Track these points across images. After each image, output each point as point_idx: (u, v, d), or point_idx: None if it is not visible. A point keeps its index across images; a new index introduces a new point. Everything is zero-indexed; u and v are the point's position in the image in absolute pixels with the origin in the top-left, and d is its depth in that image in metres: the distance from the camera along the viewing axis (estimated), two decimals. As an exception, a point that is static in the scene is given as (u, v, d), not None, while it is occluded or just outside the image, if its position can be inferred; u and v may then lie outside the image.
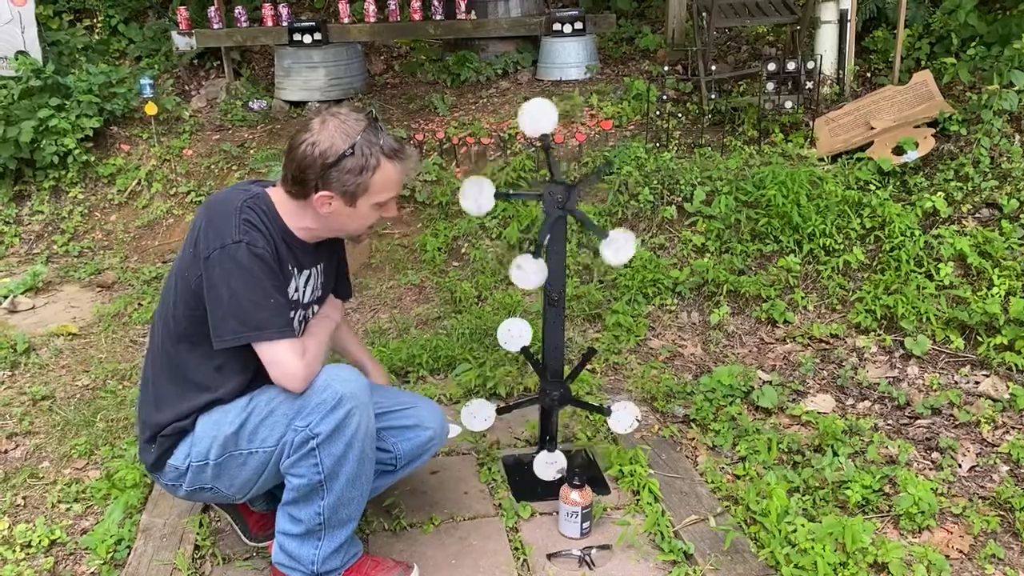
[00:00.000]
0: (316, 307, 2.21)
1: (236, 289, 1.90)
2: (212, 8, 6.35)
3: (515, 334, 2.47)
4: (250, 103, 6.11)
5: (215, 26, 6.33)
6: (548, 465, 2.57)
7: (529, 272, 2.39)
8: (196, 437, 2.03)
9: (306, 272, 2.13)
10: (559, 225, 2.39)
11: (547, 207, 2.38)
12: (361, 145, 1.94)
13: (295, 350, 1.95)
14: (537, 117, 2.34)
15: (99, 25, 7.20)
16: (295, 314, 2.08)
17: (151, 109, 5.47)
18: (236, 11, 6.36)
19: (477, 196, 2.35)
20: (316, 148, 1.93)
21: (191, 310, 1.98)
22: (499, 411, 2.61)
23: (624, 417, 2.61)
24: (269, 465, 2.01)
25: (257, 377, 2.03)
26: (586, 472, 2.53)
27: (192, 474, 2.05)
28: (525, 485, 2.61)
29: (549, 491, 2.53)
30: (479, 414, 2.59)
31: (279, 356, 1.94)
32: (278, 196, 2.04)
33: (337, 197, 1.98)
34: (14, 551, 2.48)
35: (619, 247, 2.41)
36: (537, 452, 2.65)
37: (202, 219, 1.98)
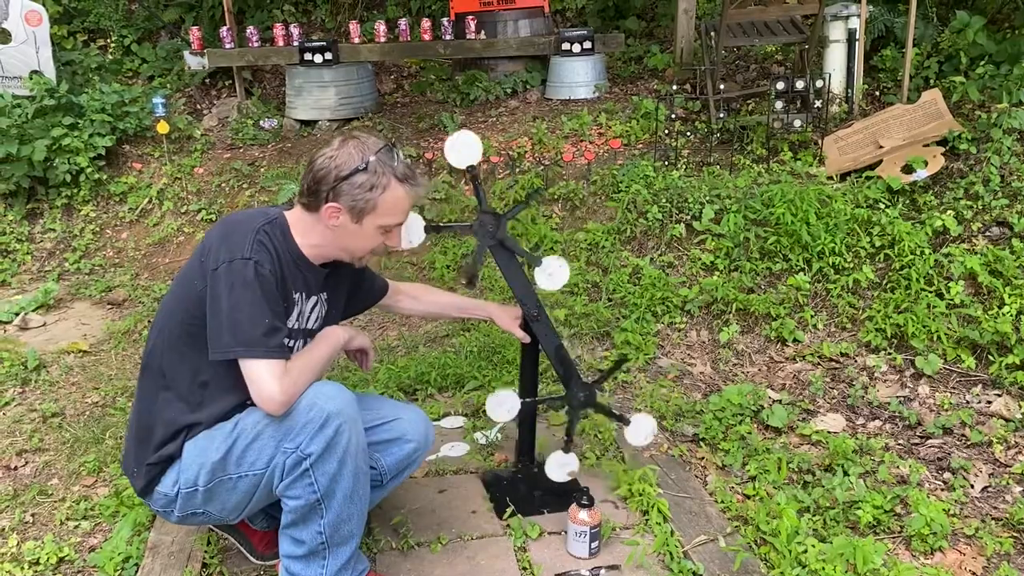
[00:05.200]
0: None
1: (236, 302, 1.92)
2: (224, 28, 6.42)
3: (506, 406, 2.50)
4: (261, 122, 6.15)
5: (227, 46, 6.39)
6: (560, 467, 2.54)
7: None
8: (183, 464, 2.03)
9: (313, 299, 2.14)
10: (499, 252, 2.42)
11: (479, 237, 2.41)
12: (375, 164, 2.01)
13: (275, 372, 1.92)
14: (462, 150, 2.39)
15: (112, 45, 7.28)
16: (295, 342, 2.08)
17: (163, 128, 5.51)
18: (248, 31, 6.43)
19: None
20: (333, 162, 2.01)
21: (190, 316, 1.99)
22: (524, 403, 2.55)
23: (642, 428, 2.57)
24: (260, 487, 2.01)
25: (242, 405, 2.03)
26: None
27: (182, 500, 2.05)
28: (504, 500, 2.60)
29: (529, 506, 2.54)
30: (505, 403, 2.52)
31: (258, 375, 1.92)
32: (294, 216, 2.10)
33: (345, 211, 2.02)
34: (22, 568, 2.48)
35: (552, 272, 2.45)
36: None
37: (218, 233, 2.01)
